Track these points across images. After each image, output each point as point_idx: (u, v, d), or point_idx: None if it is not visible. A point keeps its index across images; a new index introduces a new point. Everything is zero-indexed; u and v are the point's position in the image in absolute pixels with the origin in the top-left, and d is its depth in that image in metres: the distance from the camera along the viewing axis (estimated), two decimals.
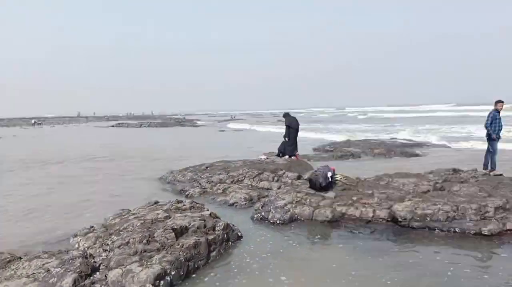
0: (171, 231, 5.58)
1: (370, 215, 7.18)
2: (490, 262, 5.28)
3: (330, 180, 8.46)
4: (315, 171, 8.71)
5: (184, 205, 7.13)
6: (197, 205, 7.21)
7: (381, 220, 7.05)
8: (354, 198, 7.82)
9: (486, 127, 9.52)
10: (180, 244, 5.35)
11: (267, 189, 9.81)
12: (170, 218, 6.27)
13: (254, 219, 7.58)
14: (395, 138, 23.36)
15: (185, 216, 6.27)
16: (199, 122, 59.56)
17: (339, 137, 25.05)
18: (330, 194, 8.12)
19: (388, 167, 13.17)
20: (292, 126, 13.31)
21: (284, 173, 10.66)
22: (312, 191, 8.32)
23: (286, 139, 13.28)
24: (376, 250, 5.72)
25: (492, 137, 9.57)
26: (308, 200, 7.88)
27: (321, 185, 8.22)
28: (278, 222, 7.24)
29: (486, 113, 10.21)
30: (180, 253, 5.16)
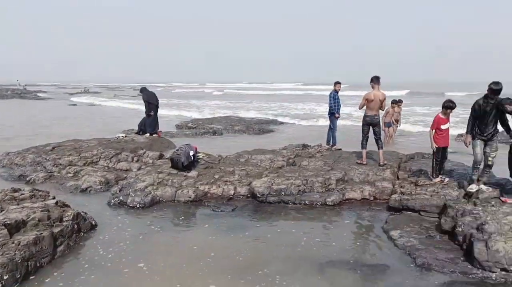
0: (3, 227, 4.67)
1: (232, 192, 7.41)
2: (336, 229, 6.00)
3: (192, 158, 8.38)
4: (177, 149, 8.50)
5: (22, 194, 6.06)
6: (40, 193, 6.22)
7: (242, 196, 7.35)
8: (216, 176, 7.94)
9: (330, 106, 10.72)
10: (16, 241, 4.53)
11: (126, 170, 9.17)
12: (2, 211, 5.25)
13: (112, 204, 7.00)
14: (253, 115, 24.68)
15: (23, 207, 5.33)
16: (43, 95, 51.66)
17: (201, 114, 25.14)
18: (193, 173, 8.06)
19: (247, 143, 13.82)
20: (151, 101, 12.66)
21: (145, 153, 10.12)
22: (174, 171, 8.11)
23: (151, 114, 12.59)
24: (238, 227, 5.93)
25: (335, 116, 10.84)
26: (170, 180, 7.66)
27: (184, 164, 8.08)
28: (138, 206, 6.84)
29: (326, 93, 11.48)
30: (16, 252, 4.37)
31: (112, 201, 7.06)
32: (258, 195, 7.06)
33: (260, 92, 66.76)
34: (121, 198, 7.05)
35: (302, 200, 6.96)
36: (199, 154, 9.15)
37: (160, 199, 7.14)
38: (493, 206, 5.58)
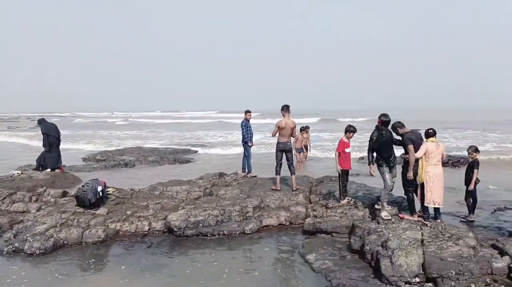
0: None
1: (146, 228, 7.03)
2: (256, 258, 5.99)
3: (101, 194, 7.79)
4: (83, 185, 7.83)
5: None
6: None
7: (157, 232, 7.00)
8: (129, 212, 7.48)
9: (243, 135, 10.97)
10: None
11: (23, 212, 8.11)
12: None
13: (5, 253, 6.13)
14: (167, 144, 24.07)
15: None
16: None
17: (110, 146, 23.71)
18: (102, 210, 7.48)
19: (162, 174, 13.36)
20: (51, 133, 11.59)
21: (45, 191, 9.11)
22: (80, 209, 7.44)
23: (46, 149, 11.47)
24: (154, 266, 5.60)
25: (248, 144, 11.10)
26: (76, 220, 7.00)
27: (91, 201, 7.46)
28: (38, 252, 6.08)
29: (238, 121, 11.73)
30: None
31: (6, 249, 6.19)
32: (175, 229, 6.80)
33: (173, 121, 65.62)
34: (16, 244, 6.22)
35: (220, 231, 6.87)
36: (109, 189, 8.55)
37: (65, 242, 6.46)
38: (393, 223, 6.15)
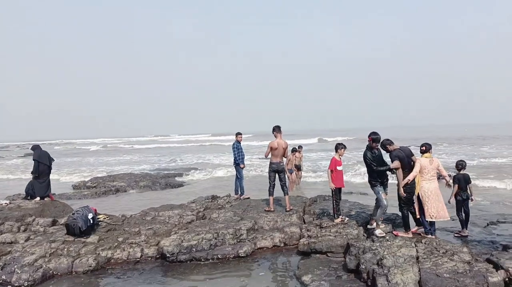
0: None
1: (138, 255, 6.89)
2: (251, 282, 5.85)
3: (92, 222, 7.65)
4: (73, 213, 7.69)
5: None
6: None
7: (150, 258, 6.86)
8: (120, 239, 7.34)
9: (235, 157, 10.98)
10: None
11: (11, 243, 7.88)
12: None
13: None
14: (158, 169, 23.91)
15: None
16: None
17: (98, 173, 23.47)
18: (93, 238, 7.34)
19: (154, 199, 13.22)
20: (42, 161, 11.43)
21: (34, 220, 8.91)
22: (71, 238, 7.28)
23: (35, 176, 11.28)
24: None
25: (240, 166, 11.09)
26: (66, 249, 6.84)
27: (81, 229, 7.31)
28: (26, 284, 5.90)
29: (230, 143, 11.79)
30: None
31: None
32: (168, 255, 6.67)
33: (165, 145, 65.44)
34: (3, 277, 6.03)
35: (214, 255, 6.75)
36: (99, 216, 8.42)
37: (54, 273, 6.28)
38: (387, 240, 6.12)
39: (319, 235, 6.97)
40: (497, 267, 5.05)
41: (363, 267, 5.45)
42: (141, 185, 16.69)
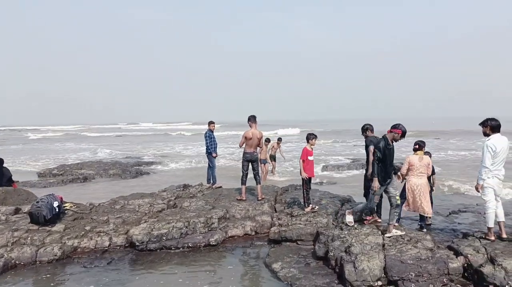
0: None
1: (107, 243, 6.74)
2: (221, 270, 5.86)
3: (57, 210, 7.40)
4: (37, 201, 7.41)
5: None
6: None
7: (118, 247, 6.73)
8: (88, 227, 7.16)
9: (207, 145, 10.89)
10: None
11: None
12: None
13: None
14: (130, 156, 23.42)
15: None
16: None
17: (65, 160, 22.78)
18: (58, 226, 7.11)
19: (124, 188, 12.96)
20: None
21: None
22: (35, 227, 7.03)
23: None
24: (115, 283, 5.36)
25: (212, 155, 11.02)
26: (29, 238, 6.60)
27: (46, 218, 7.07)
28: None
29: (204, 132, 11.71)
30: None
31: None
32: (137, 243, 6.57)
33: (139, 133, 64.15)
34: None
35: (185, 243, 6.71)
36: (66, 204, 8.17)
37: (17, 262, 6.06)
38: (356, 228, 6.28)
39: (289, 224, 7.06)
40: (457, 253, 5.29)
41: (332, 254, 5.57)
42: (111, 173, 16.30)
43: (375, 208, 6.84)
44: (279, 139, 15.59)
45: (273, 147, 14.97)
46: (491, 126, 5.60)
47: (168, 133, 58.27)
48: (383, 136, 5.97)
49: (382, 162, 5.88)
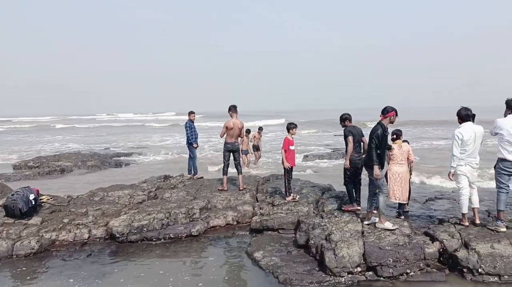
0: None
1: (86, 236, 6.64)
2: (203, 260, 5.84)
3: (34, 203, 7.23)
4: (12, 194, 7.21)
5: None
6: None
7: (98, 239, 6.64)
8: (66, 220, 7.03)
9: (187, 136, 10.79)
10: None
11: None
12: None
13: None
14: (108, 148, 23.03)
15: None
16: None
17: (41, 151, 22.19)
18: (35, 219, 6.95)
19: (103, 179, 12.74)
20: None
21: None
22: (10, 220, 6.86)
23: None
24: (95, 276, 5.29)
25: (193, 145, 10.93)
26: (5, 231, 6.43)
27: (22, 211, 6.89)
28: None
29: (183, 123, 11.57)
30: None
31: None
32: (118, 235, 6.49)
33: (118, 124, 62.98)
34: None
35: (166, 234, 6.67)
36: (42, 197, 7.98)
37: None
38: (336, 216, 6.38)
39: (271, 213, 7.11)
40: (433, 239, 5.46)
41: (312, 242, 5.65)
42: (89, 165, 15.98)
43: (355, 196, 6.96)
44: (260, 129, 15.46)
45: (254, 136, 14.91)
46: (459, 115, 5.76)
47: (145, 125, 57.39)
48: (379, 123, 5.78)
49: (379, 149, 5.73)
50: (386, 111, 5.74)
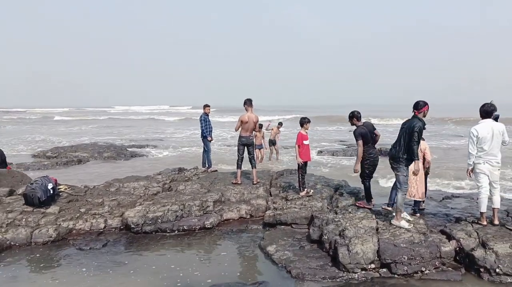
0: None
1: (102, 226, 6.76)
2: (216, 252, 5.90)
3: (52, 192, 7.39)
4: (31, 183, 7.38)
5: None
6: None
7: (113, 229, 6.75)
8: (83, 210, 7.16)
9: (202, 129, 10.83)
10: None
11: None
12: None
13: None
14: (124, 140, 23.34)
15: None
16: None
17: (59, 141, 22.62)
18: (53, 208, 7.11)
19: (119, 171, 12.93)
20: None
21: None
22: (29, 208, 7.03)
23: None
24: (110, 265, 5.38)
25: (208, 139, 10.97)
26: (24, 219, 6.61)
27: (40, 200, 7.05)
28: None
29: (198, 116, 11.62)
30: None
31: None
32: (133, 226, 6.59)
33: (133, 117, 63.71)
34: None
35: (180, 226, 6.74)
36: (60, 187, 8.14)
37: (12, 243, 6.07)
38: (350, 212, 6.33)
39: (284, 207, 7.10)
40: (450, 237, 5.36)
41: (326, 237, 5.62)
42: (105, 156, 16.24)
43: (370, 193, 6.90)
44: (280, 124, 15.39)
45: (272, 130, 14.83)
46: (480, 112, 5.64)
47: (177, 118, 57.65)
48: (416, 117, 5.57)
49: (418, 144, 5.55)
50: (420, 106, 5.59)
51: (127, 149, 18.50)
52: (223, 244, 6.24)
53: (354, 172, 6.80)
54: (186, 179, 9.59)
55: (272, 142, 14.84)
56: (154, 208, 6.99)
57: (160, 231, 6.65)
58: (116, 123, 43.84)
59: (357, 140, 6.68)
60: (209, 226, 6.81)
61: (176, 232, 6.67)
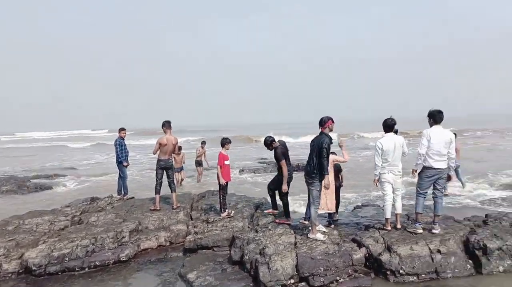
0: None
1: None
2: None
3: None
4: None
5: None
6: None
7: (10, 275, 5.96)
8: None
9: (117, 154, 10.22)
10: None
11: None
12: None
13: None
14: (27, 169, 21.09)
15: None
16: None
17: None
18: None
19: (20, 206, 11.59)
20: None
21: None
22: None
23: None
24: None
25: (123, 164, 10.38)
26: None
27: None
28: None
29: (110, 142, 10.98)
30: None
31: None
32: (34, 268, 5.88)
33: (40, 144, 58.00)
34: None
35: (91, 262, 6.19)
36: None
37: None
38: (270, 229, 6.43)
39: (205, 231, 6.96)
40: (360, 245, 5.73)
41: (247, 257, 5.62)
42: (4, 190, 14.44)
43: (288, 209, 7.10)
44: (203, 143, 14.91)
45: (198, 150, 14.43)
46: (383, 127, 6.18)
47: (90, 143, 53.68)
48: (323, 134, 5.83)
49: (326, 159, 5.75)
50: (324, 122, 5.86)
51: (31, 179, 16.70)
52: (140, 277, 5.88)
53: (283, 191, 6.94)
54: (99, 209, 8.94)
55: (199, 163, 14.44)
56: (61, 245, 6.35)
57: (68, 271, 6.03)
58: (17, 153, 39.48)
59: (280, 160, 6.87)
60: (124, 259, 6.37)
61: (87, 269, 6.12)
